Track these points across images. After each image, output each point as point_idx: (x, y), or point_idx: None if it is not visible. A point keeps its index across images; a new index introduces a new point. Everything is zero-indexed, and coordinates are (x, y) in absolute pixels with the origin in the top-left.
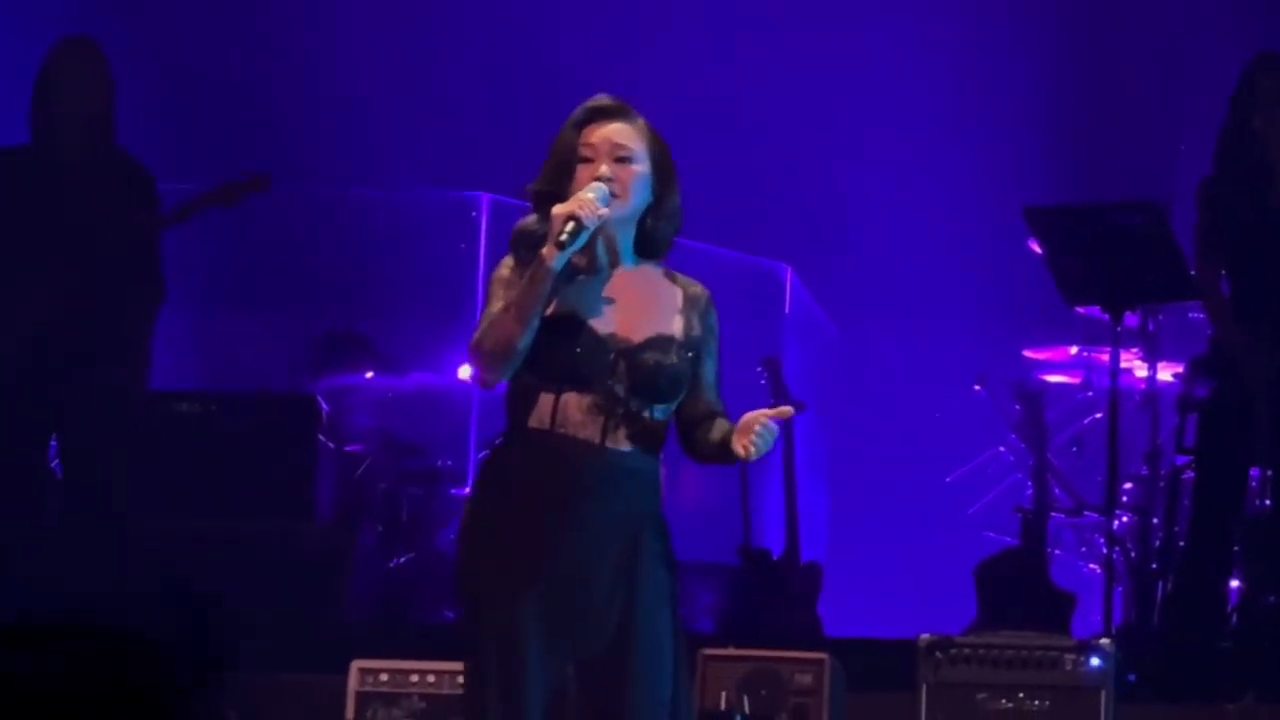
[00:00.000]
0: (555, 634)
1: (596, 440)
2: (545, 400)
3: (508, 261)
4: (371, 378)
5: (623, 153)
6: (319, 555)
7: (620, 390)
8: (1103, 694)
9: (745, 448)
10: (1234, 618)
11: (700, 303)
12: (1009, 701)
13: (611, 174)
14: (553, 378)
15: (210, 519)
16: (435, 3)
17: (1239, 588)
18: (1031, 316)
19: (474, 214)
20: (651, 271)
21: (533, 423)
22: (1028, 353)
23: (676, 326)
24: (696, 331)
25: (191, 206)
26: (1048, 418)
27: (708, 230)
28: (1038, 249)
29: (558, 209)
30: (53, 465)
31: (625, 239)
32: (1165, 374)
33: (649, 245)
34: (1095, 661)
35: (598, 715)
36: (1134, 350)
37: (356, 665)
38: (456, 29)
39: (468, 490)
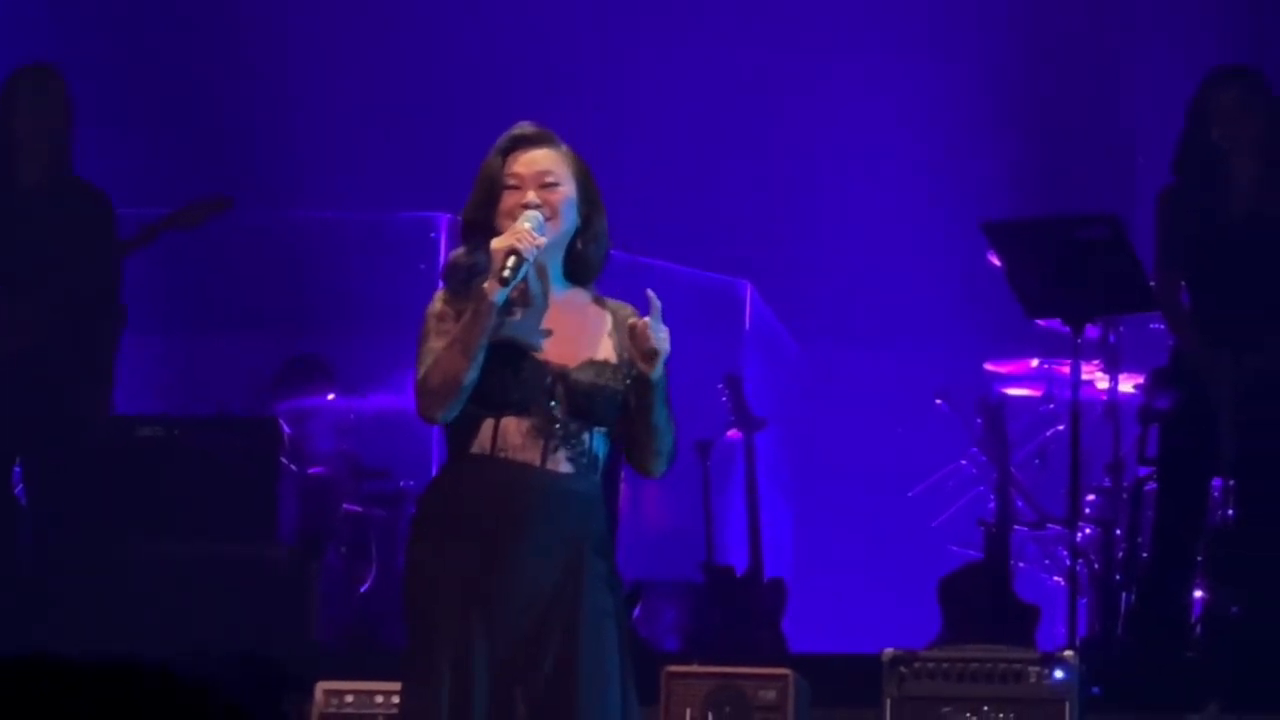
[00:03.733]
0: (500, 655)
1: (536, 462)
2: (486, 425)
3: (440, 295)
4: (333, 400)
5: (549, 178)
6: (283, 578)
7: (559, 412)
8: (1067, 706)
9: (646, 364)
10: (1198, 628)
11: (627, 324)
12: (974, 715)
13: (539, 200)
14: (492, 403)
15: (172, 542)
16: (391, 24)
17: (1202, 598)
18: (992, 330)
19: (433, 234)
20: (581, 297)
21: (474, 449)
22: (989, 366)
23: (608, 350)
24: (629, 354)
25: (153, 229)
26: (1009, 430)
27: (666, 247)
28: (997, 263)
29: (496, 244)
30: (16, 492)
31: (555, 264)
32: (1126, 385)
33: (580, 269)
34: (1059, 674)
35: None
36: (1095, 362)
37: (321, 687)
38: (413, 50)
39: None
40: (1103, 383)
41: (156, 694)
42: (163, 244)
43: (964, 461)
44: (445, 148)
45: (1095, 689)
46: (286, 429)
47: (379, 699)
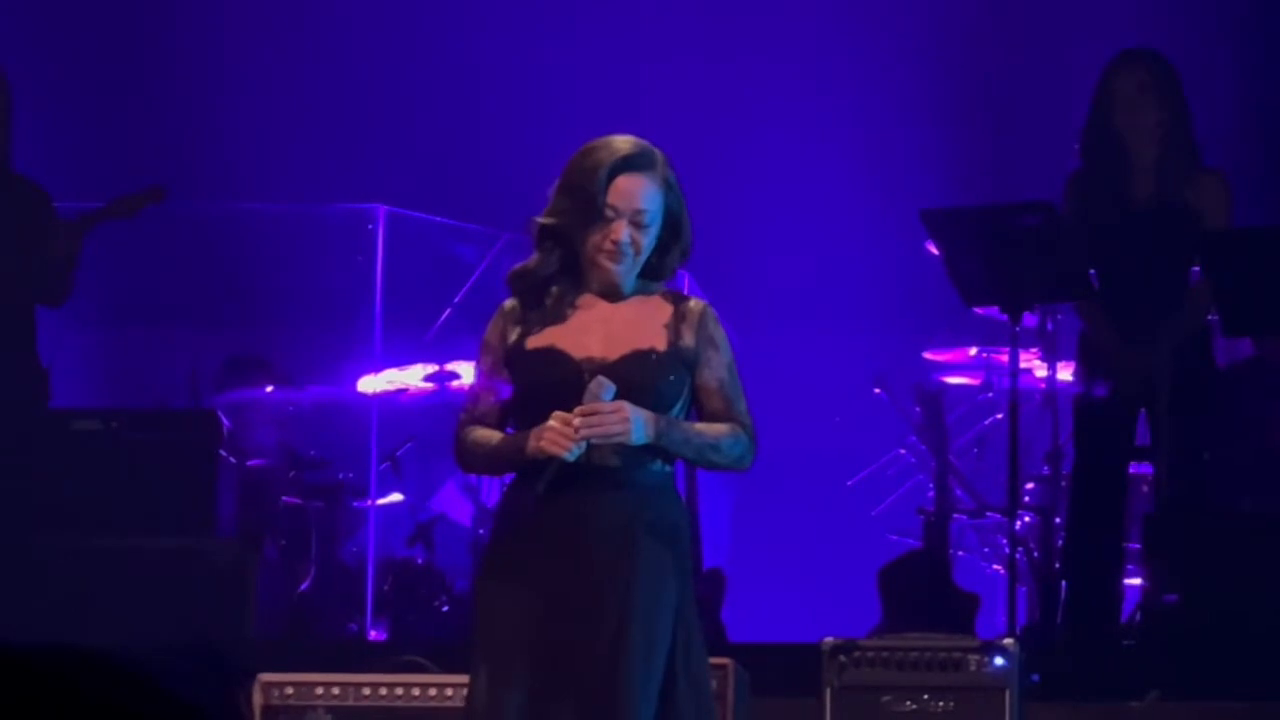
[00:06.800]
0: (550, 655)
1: (583, 460)
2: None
3: (499, 311)
4: (271, 392)
5: (641, 218)
6: (222, 571)
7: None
8: (1007, 694)
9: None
10: (1137, 616)
11: (693, 316)
12: (914, 703)
13: (629, 238)
14: (536, 409)
15: (111, 536)
16: (326, 15)
17: (1141, 586)
18: (930, 318)
19: (370, 226)
20: (650, 289)
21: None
22: (927, 354)
23: (661, 341)
24: (687, 343)
25: (89, 219)
26: (948, 419)
27: None
28: (935, 250)
29: (539, 445)
30: None
31: (630, 277)
32: (1065, 373)
33: (654, 272)
34: (999, 661)
35: None
36: (1033, 350)
37: (261, 679)
38: (350, 41)
39: (370, 502)
40: (1041, 371)
41: (105, 683)
42: (98, 237)
43: (902, 450)
44: (383, 140)
45: (1035, 676)
46: (225, 421)
47: (319, 690)
